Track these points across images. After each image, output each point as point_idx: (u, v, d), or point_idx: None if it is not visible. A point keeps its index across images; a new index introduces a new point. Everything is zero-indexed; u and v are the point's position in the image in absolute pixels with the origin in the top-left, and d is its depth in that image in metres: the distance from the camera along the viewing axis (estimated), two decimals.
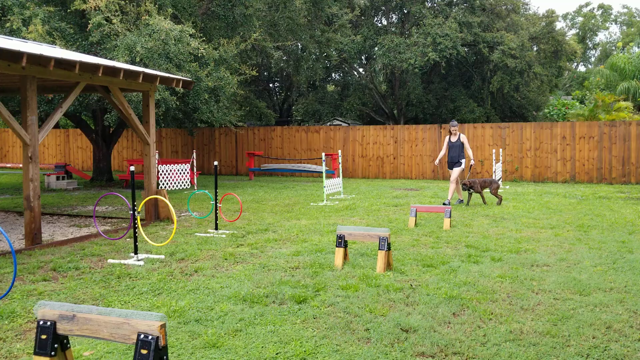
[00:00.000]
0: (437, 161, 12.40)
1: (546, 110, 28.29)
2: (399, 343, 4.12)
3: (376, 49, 25.96)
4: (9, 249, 7.59)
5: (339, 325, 4.49)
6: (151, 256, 7.03)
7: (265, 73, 29.65)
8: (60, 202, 13.36)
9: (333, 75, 30.99)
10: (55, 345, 2.59)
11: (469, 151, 12.24)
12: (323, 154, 13.67)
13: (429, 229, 9.02)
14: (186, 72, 13.47)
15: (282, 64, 26.21)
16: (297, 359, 3.85)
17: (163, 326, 2.41)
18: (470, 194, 11.94)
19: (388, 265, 6.29)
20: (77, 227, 9.70)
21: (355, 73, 29.42)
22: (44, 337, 2.57)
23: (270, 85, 33.31)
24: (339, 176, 14.57)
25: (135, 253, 6.92)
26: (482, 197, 12.24)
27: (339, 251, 6.48)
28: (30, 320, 4.70)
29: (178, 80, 10.11)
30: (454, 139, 12.23)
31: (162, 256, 7.04)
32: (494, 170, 15.71)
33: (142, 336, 2.37)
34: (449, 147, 12.28)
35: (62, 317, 2.58)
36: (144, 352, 2.34)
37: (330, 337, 4.24)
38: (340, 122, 30.13)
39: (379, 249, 6.24)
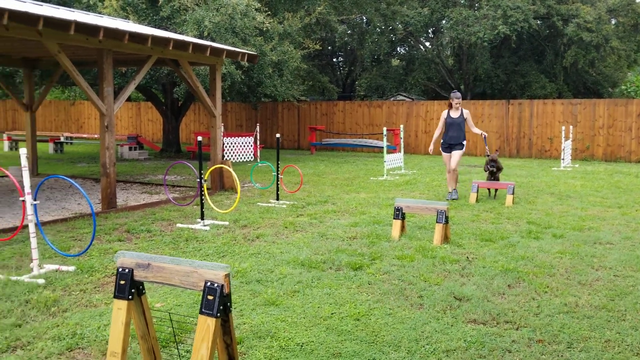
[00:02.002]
0: (431, 147, 9.92)
1: (623, 87, 26.83)
2: (451, 310, 4.22)
3: (444, 22, 25.33)
4: (87, 212, 8.17)
5: (393, 292, 4.63)
6: (216, 222, 7.39)
7: (329, 47, 29.58)
8: (133, 170, 14.10)
9: (398, 49, 30.49)
10: (133, 290, 2.88)
11: (473, 129, 9.60)
12: (384, 128, 13.67)
13: (490, 205, 8.94)
14: (251, 46, 13.75)
15: (346, 38, 26.06)
16: (351, 319, 4.03)
17: (227, 275, 2.64)
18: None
19: (445, 238, 6.34)
20: (149, 194, 10.27)
21: (421, 47, 28.86)
22: (122, 282, 2.86)
23: (334, 59, 33.23)
24: (400, 151, 14.55)
25: (202, 219, 7.30)
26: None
27: (396, 223, 6.58)
28: (107, 274, 5.11)
29: (244, 54, 10.38)
30: (455, 114, 9.55)
31: (227, 223, 7.39)
32: (562, 148, 15.22)
33: (208, 284, 2.62)
34: (447, 125, 9.61)
35: (138, 265, 2.86)
36: (210, 297, 2.59)
37: (384, 302, 4.40)
38: (404, 98, 29.77)
39: (437, 222, 6.29)
